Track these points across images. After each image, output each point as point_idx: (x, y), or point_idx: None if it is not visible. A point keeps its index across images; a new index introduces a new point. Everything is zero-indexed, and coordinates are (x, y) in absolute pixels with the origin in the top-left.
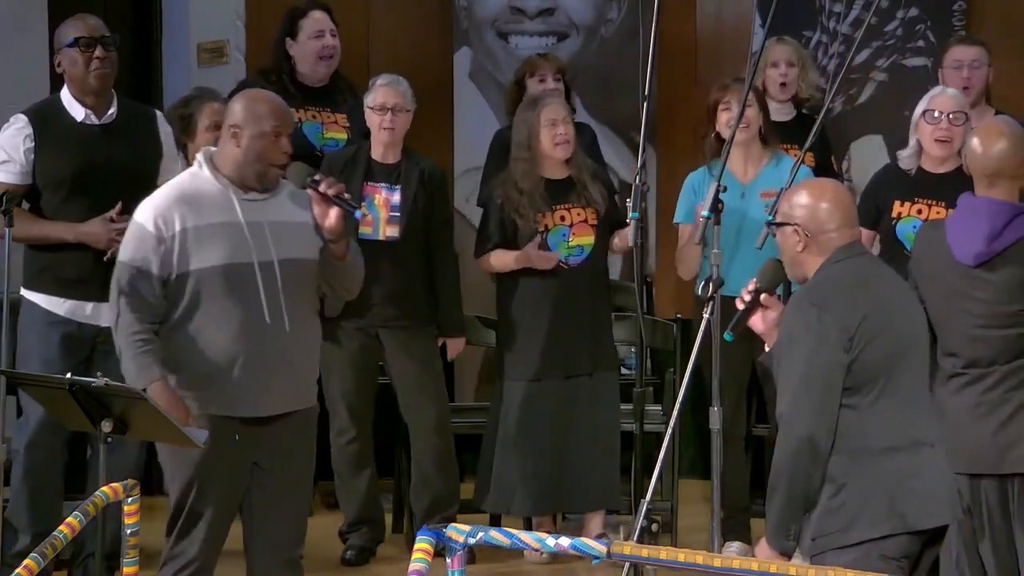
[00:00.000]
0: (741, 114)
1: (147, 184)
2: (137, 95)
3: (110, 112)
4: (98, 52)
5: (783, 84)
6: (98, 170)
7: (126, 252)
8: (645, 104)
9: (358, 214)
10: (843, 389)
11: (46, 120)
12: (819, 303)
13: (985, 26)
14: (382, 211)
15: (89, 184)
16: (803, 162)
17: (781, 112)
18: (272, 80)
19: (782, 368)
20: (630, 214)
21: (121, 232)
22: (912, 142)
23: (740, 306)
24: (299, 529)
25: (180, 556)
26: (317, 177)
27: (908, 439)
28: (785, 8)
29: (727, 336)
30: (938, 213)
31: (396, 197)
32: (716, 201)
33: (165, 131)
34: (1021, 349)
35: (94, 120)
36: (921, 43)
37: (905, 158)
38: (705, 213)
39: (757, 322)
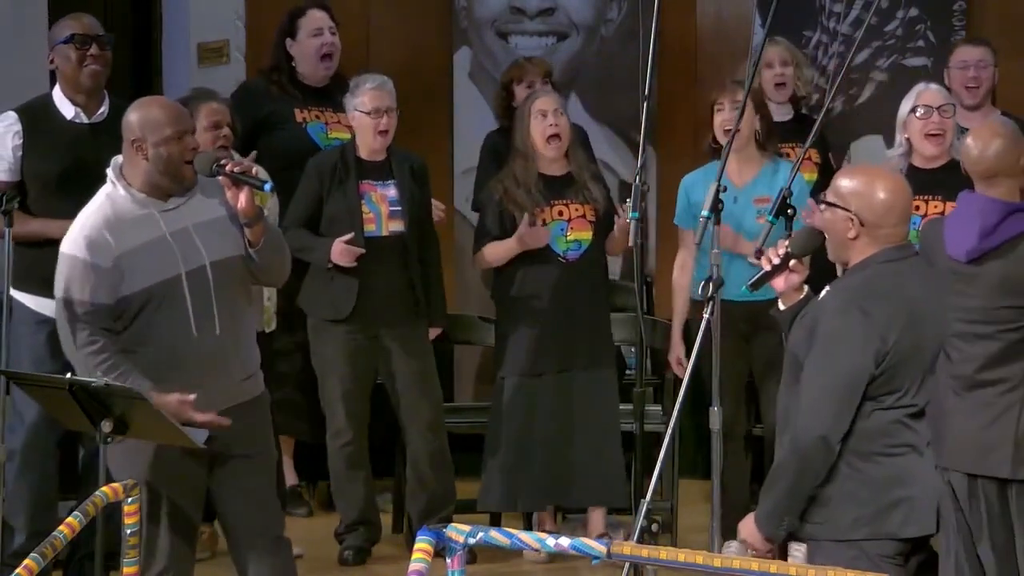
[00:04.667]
0: (741, 115)
1: None
2: (137, 95)
3: (101, 111)
4: (93, 50)
5: (780, 84)
6: (85, 168)
7: (70, 290)
8: (645, 104)
9: (267, 187)
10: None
11: (36, 117)
12: (865, 308)
13: (985, 26)
14: (382, 206)
15: (76, 182)
16: (806, 160)
17: (779, 112)
18: (274, 80)
19: (812, 359)
20: (630, 214)
21: None
22: (900, 140)
23: (766, 265)
24: (276, 506)
25: (153, 567)
26: (222, 161)
27: (904, 446)
28: (785, 8)
29: (744, 289)
30: (936, 207)
31: (392, 192)
32: (716, 201)
33: None
34: (1013, 348)
35: (84, 118)
36: (921, 43)
37: (896, 158)
38: (705, 213)
39: (779, 282)
